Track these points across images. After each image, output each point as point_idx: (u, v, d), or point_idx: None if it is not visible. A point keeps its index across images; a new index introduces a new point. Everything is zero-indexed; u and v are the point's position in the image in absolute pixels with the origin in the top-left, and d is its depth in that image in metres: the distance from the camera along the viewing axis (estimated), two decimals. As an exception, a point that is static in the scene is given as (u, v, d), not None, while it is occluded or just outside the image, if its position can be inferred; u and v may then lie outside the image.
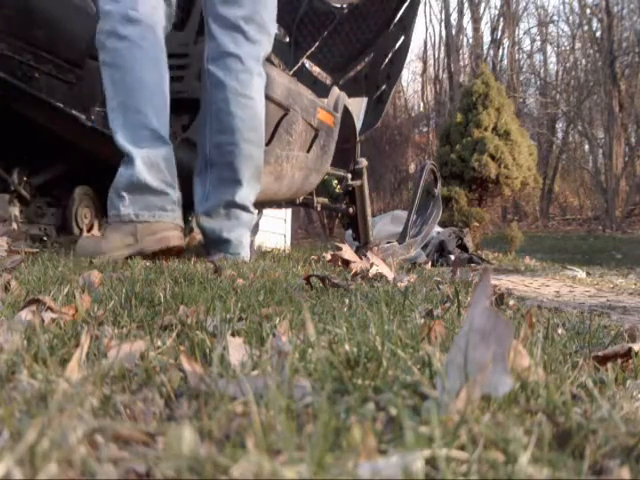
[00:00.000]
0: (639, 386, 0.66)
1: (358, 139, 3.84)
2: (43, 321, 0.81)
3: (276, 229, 6.97)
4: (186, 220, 3.13)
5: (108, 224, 2.15)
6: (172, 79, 2.36)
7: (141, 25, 2.11)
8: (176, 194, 2.19)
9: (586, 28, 22.28)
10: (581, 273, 5.70)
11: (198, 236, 2.45)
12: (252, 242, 2.86)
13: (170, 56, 2.45)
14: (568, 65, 23.55)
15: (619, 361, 0.78)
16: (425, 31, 39.15)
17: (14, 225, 2.51)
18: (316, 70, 4.70)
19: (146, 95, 2.12)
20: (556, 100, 22.78)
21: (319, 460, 0.35)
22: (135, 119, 2.10)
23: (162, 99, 2.18)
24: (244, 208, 2.36)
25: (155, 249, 2.09)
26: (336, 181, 3.75)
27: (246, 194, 2.34)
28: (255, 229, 4.22)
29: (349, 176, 3.76)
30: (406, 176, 22.47)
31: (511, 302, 1.63)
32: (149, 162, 2.10)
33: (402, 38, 4.06)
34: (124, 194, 2.08)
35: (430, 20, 38.49)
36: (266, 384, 0.49)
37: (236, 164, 2.29)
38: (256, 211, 2.49)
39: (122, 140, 2.09)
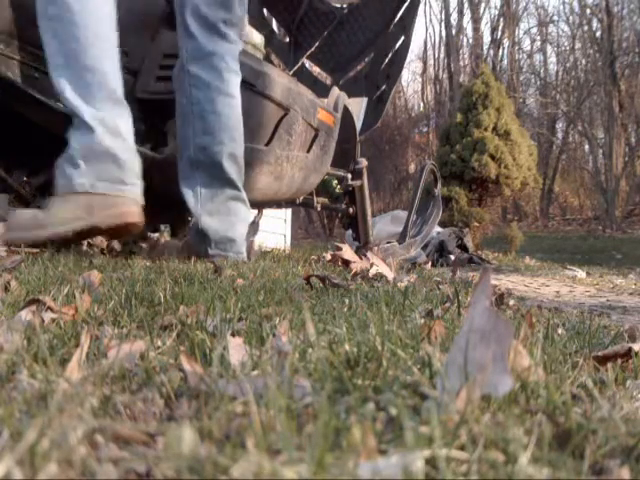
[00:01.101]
0: (639, 386, 0.66)
1: (358, 139, 3.84)
2: (43, 321, 0.81)
3: (276, 229, 6.97)
4: (185, 221, 3.12)
5: (53, 196, 1.93)
6: (169, 78, 2.36)
7: None
8: (137, 165, 2.01)
9: (586, 28, 22.29)
10: (581, 273, 5.70)
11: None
12: (252, 242, 2.86)
13: (166, 56, 2.44)
14: (568, 65, 23.56)
15: (619, 361, 0.78)
16: (425, 31, 39.22)
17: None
18: (316, 70, 4.70)
19: (103, 51, 1.93)
20: (556, 100, 22.78)
21: (319, 460, 0.35)
22: (90, 78, 1.90)
23: (116, 57, 2.00)
24: (241, 201, 2.34)
25: (111, 225, 1.90)
26: (336, 181, 3.75)
27: (238, 191, 2.34)
28: (255, 229, 4.22)
29: (349, 176, 3.76)
30: (406, 176, 22.48)
31: (511, 302, 1.64)
32: (109, 127, 1.91)
33: (402, 38, 4.06)
34: (80, 162, 1.87)
35: (430, 20, 38.52)
36: (266, 384, 0.49)
37: (224, 163, 2.27)
38: (250, 207, 2.48)
39: (74, 99, 1.87)
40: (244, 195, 2.37)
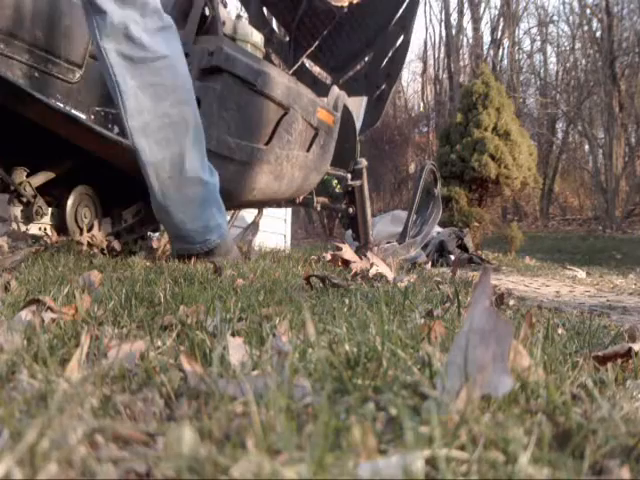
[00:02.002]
0: (639, 386, 0.66)
1: (358, 138, 3.84)
2: (43, 321, 0.81)
3: (276, 229, 6.96)
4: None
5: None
6: None
7: None
8: None
9: (586, 28, 22.26)
10: (581, 273, 5.70)
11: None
12: (252, 242, 2.86)
13: None
14: (568, 65, 23.53)
15: (619, 361, 0.78)
16: (425, 31, 39.24)
17: (14, 225, 2.51)
18: (316, 69, 4.70)
19: None
20: (556, 100, 22.76)
21: (319, 460, 0.35)
22: None
23: None
24: (191, 181, 1.99)
25: None
26: (336, 181, 3.75)
27: (192, 164, 2.00)
28: (255, 229, 4.22)
29: (349, 176, 3.76)
30: (406, 176, 22.46)
31: (511, 302, 1.64)
32: None
33: (402, 37, 4.06)
34: None
35: (430, 20, 38.59)
36: (266, 384, 0.49)
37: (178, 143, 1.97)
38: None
39: None
40: (199, 164, 2.03)
